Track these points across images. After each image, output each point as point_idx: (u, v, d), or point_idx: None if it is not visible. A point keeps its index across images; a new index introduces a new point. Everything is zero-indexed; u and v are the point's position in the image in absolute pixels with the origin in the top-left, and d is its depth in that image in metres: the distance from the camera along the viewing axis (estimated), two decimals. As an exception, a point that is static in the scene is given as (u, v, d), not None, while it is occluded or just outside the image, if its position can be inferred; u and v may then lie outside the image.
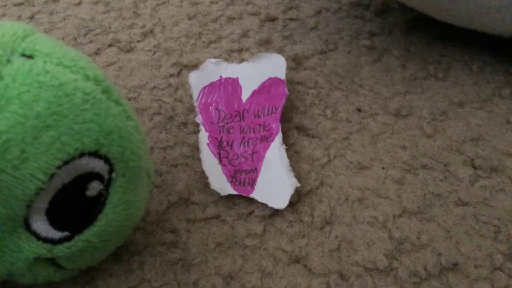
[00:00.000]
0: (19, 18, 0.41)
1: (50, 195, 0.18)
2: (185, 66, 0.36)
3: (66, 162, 0.18)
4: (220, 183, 0.28)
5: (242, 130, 0.31)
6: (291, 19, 0.41)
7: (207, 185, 0.28)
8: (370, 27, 0.40)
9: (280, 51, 0.37)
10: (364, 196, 0.28)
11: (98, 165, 0.19)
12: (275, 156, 0.29)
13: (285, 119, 0.32)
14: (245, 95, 0.32)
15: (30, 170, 0.17)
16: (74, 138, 0.18)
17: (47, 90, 0.17)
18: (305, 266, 0.25)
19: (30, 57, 0.18)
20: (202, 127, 0.31)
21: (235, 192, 0.28)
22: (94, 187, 0.19)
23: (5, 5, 0.42)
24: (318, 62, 0.37)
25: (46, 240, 0.19)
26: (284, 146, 0.29)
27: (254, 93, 0.32)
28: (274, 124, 0.30)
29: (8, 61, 0.17)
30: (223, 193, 0.27)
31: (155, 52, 0.38)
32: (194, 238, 0.26)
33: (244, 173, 0.29)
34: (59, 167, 0.18)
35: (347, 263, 0.25)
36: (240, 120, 0.31)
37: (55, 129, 0.17)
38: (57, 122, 0.17)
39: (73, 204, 0.19)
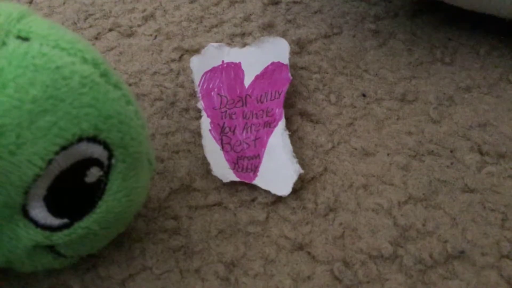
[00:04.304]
0: (18, 2, 0.41)
1: (48, 182, 0.18)
2: (187, 50, 0.36)
3: (64, 148, 0.17)
4: (223, 170, 0.28)
5: (244, 115, 0.30)
6: (294, 2, 0.40)
7: (209, 171, 0.28)
8: (376, 11, 0.39)
9: (284, 35, 0.37)
10: (368, 182, 0.28)
11: (97, 151, 0.19)
12: (278, 142, 0.28)
13: (288, 105, 0.31)
14: (247, 80, 0.32)
15: (27, 155, 0.17)
16: (72, 123, 0.17)
17: (44, 73, 0.17)
18: (309, 253, 0.25)
19: (25, 39, 0.17)
20: (204, 113, 0.30)
21: (237, 179, 0.27)
22: (93, 173, 0.19)
23: (4, -11, 0.42)
24: (322, 46, 0.36)
25: (44, 227, 0.19)
26: (287, 132, 0.29)
27: (257, 78, 0.32)
28: (277, 110, 0.30)
29: (3, 43, 0.17)
30: (225, 180, 0.27)
31: (156, 36, 0.37)
32: (196, 225, 0.26)
33: (246, 160, 0.28)
34: (56, 153, 0.17)
35: (351, 250, 0.25)
36: (242, 106, 0.31)
37: (52, 114, 0.17)
38: (54, 106, 0.17)
39: (72, 191, 0.19)
